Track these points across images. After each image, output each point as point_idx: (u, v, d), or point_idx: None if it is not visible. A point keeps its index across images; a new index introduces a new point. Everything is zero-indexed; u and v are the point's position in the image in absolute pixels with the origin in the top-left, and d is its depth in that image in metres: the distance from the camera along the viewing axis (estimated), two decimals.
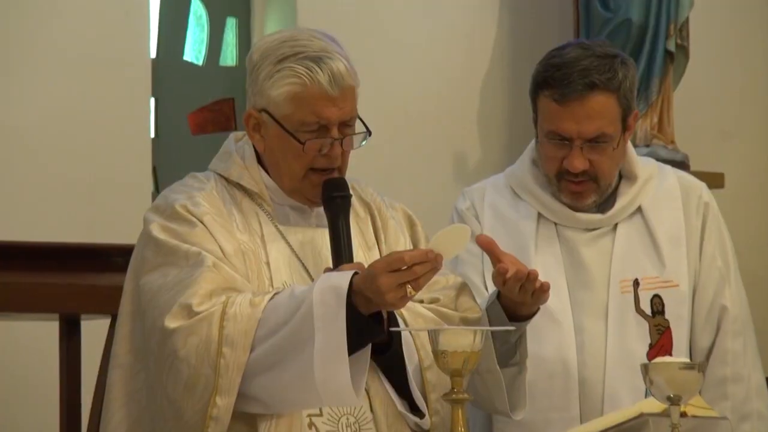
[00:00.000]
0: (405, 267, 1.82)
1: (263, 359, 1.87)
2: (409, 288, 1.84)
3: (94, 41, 3.60)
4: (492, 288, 2.14)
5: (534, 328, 2.15)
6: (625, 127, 2.29)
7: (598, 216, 2.31)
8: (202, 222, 1.99)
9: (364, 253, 2.08)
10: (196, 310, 1.86)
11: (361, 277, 1.84)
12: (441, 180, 4.14)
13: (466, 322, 2.08)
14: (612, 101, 2.24)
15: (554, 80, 2.24)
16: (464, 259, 2.27)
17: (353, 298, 1.83)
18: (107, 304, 2.37)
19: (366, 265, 1.91)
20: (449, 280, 2.14)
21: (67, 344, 2.54)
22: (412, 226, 2.20)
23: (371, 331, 1.88)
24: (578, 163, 2.23)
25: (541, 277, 2.02)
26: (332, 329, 1.82)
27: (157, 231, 1.97)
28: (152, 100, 3.85)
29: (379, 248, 2.13)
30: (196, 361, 1.85)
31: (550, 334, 2.24)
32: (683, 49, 4.15)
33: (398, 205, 2.22)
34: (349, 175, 2.08)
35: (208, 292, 1.88)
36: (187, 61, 4.11)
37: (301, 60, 1.98)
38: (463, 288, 2.16)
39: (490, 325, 2.06)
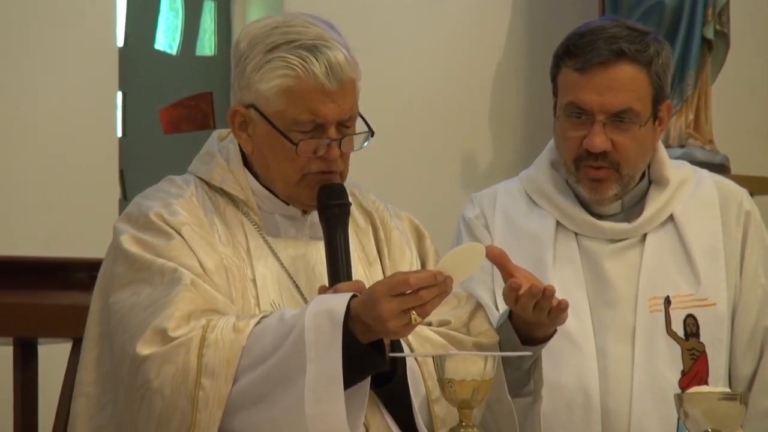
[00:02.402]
0: (410, 291, 1.81)
1: (248, 392, 1.87)
2: (414, 314, 1.83)
3: (51, 26, 3.60)
4: (503, 306, 2.15)
5: (551, 352, 2.16)
6: (655, 115, 2.29)
7: (624, 225, 2.31)
8: (179, 233, 1.99)
9: (364, 269, 2.09)
10: (172, 335, 1.86)
11: (361, 301, 1.83)
12: (447, 184, 4.14)
13: (480, 347, 2.07)
14: (642, 75, 2.25)
15: (577, 48, 2.23)
16: (472, 274, 2.28)
17: (351, 324, 1.83)
18: (69, 326, 2.37)
19: (367, 284, 1.92)
20: (461, 300, 2.15)
21: (22, 371, 2.53)
22: (419, 238, 2.20)
23: (371, 361, 1.87)
24: (599, 140, 2.22)
25: (559, 294, 2.03)
26: (326, 359, 1.81)
27: (128, 243, 1.97)
28: (119, 95, 3.86)
29: (381, 263, 2.13)
30: (172, 393, 1.85)
31: (569, 359, 2.25)
32: (723, 37, 4.15)
33: (404, 215, 2.23)
34: (348, 180, 2.08)
35: (185, 315, 1.88)
36: (158, 50, 4.13)
37: (294, 49, 1.98)
38: (478, 309, 2.16)
39: (501, 349, 2.07)
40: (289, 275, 2.04)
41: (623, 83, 2.24)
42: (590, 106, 2.22)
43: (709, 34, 4.01)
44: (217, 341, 1.87)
